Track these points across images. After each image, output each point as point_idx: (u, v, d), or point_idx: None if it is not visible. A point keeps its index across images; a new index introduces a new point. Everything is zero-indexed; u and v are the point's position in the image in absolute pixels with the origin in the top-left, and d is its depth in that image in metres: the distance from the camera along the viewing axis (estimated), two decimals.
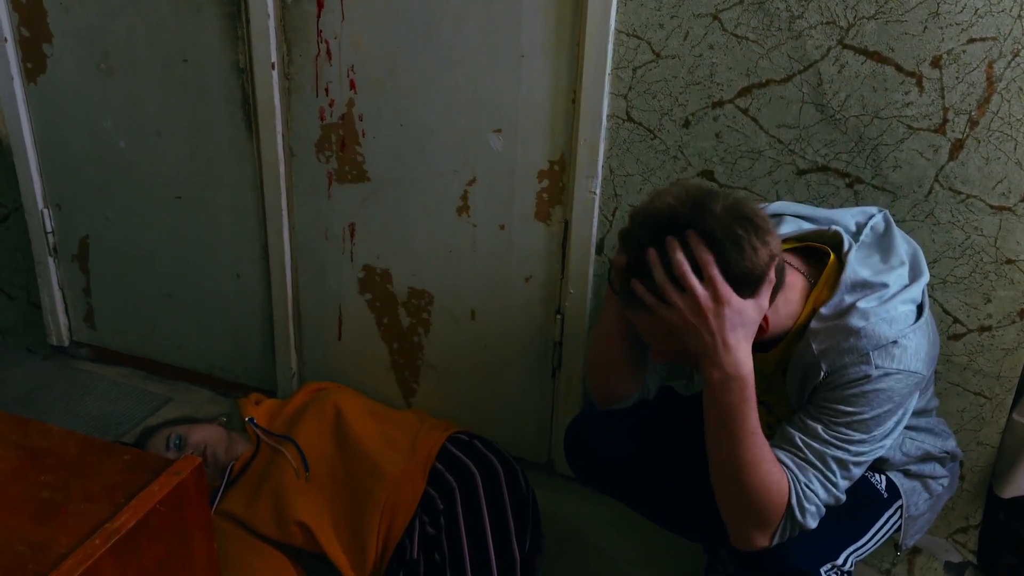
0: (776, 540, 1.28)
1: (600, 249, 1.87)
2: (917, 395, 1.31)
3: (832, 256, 1.33)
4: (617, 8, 1.66)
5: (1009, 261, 1.59)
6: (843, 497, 1.29)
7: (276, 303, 2.24)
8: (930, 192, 1.59)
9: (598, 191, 1.81)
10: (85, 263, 2.44)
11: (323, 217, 2.11)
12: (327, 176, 2.05)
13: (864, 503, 1.42)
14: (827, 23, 1.55)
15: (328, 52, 1.92)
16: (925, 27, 1.50)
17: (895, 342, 1.23)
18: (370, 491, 1.79)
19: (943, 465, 1.51)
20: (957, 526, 1.84)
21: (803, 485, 1.26)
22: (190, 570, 0.99)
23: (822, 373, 1.27)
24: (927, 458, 1.47)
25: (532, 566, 1.74)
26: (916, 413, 1.44)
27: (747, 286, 1.19)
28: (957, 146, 1.55)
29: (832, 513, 1.32)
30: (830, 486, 1.27)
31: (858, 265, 1.30)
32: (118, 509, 0.92)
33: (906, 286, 1.29)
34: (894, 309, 1.26)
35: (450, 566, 1.68)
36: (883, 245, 1.34)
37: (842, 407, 1.26)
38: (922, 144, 1.57)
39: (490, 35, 1.78)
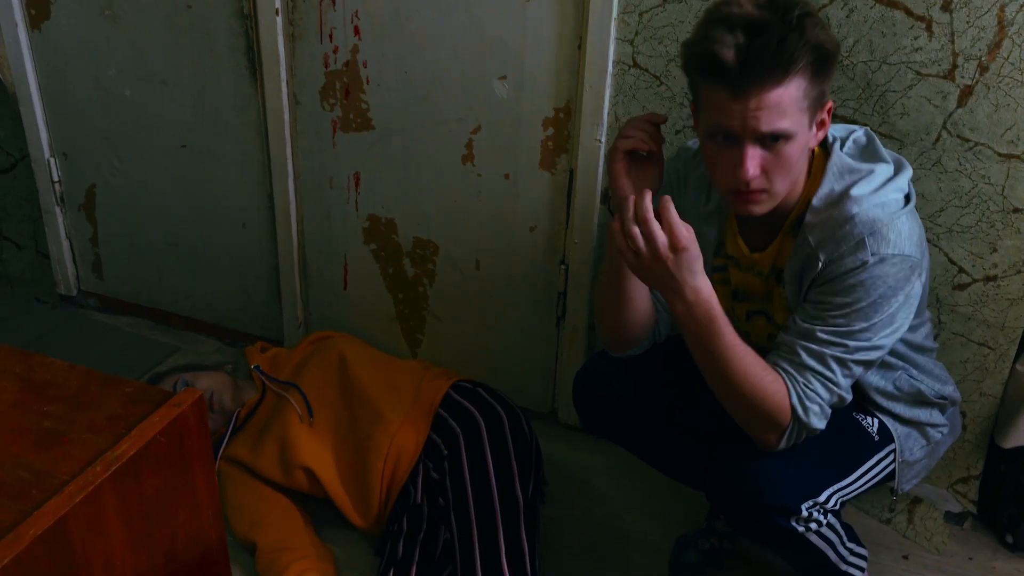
0: (786, 442, 1.32)
1: (605, 198, 1.86)
2: (919, 286, 1.31)
3: (818, 149, 1.35)
4: None
5: (1016, 210, 1.58)
6: (847, 395, 1.32)
7: (282, 253, 2.24)
8: (937, 140, 1.58)
9: (603, 139, 1.80)
10: (92, 212, 2.45)
11: (328, 166, 2.10)
12: (332, 124, 2.05)
13: (851, 443, 1.43)
14: None
15: None
16: None
17: (888, 226, 1.25)
18: (373, 436, 1.81)
19: (943, 412, 1.51)
20: (958, 476, 1.84)
21: (802, 386, 1.29)
22: (191, 499, 1.01)
23: (820, 263, 1.28)
24: (920, 399, 1.47)
25: (535, 511, 1.75)
26: (915, 348, 1.45)
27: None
28: (966, 92, 1.53)
29: (815, 451, 1.33)
30: (830, 384, 1.30)
31: (845, 155, 1.33)
32: (119, 438, 0.94)
33: (892, 177, 1.31)
34: (885, 195, 1.28)
35: (454, 510, 1.70)
36: (866, 152, 1.36)
37: (840, 299, 1.27)
38: (930, 90, 1.55)
39: None
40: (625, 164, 1.37)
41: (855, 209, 1.26)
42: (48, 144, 2.38)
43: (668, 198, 1.22)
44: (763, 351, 1.34)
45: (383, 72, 1.94)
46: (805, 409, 1.29)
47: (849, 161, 1.32)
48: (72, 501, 0.86)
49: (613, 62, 1.73)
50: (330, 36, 1.95)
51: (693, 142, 1.53)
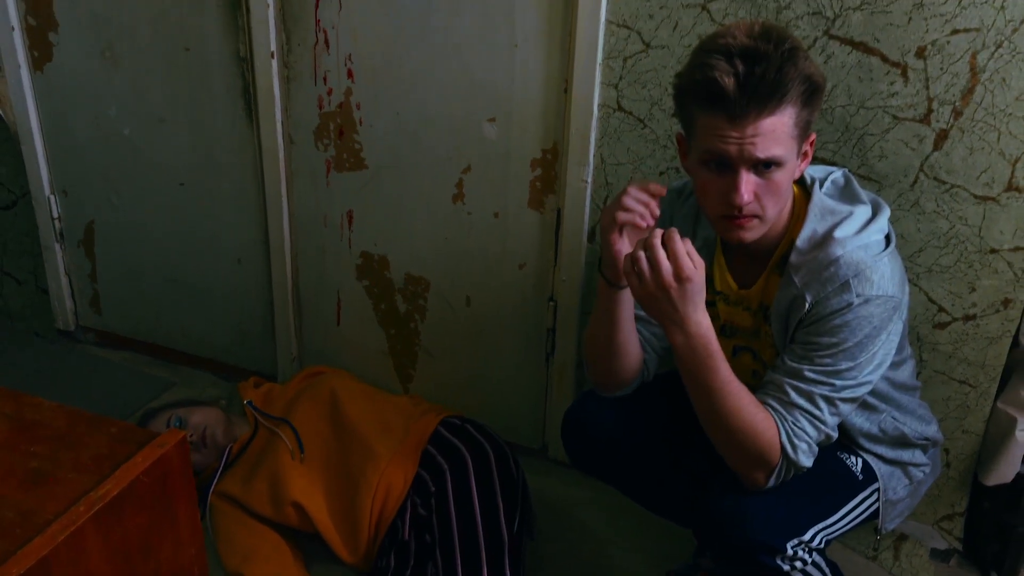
0: (774, 480, 1.34)
1: (592, 237, 1.90)
2: (900, 323, 1.34)
3: (797, 190, 1.39)
4: None
5: (993, 251, 1.60)
6: (834, 433, 1.35)
7: (276, 289, 2.28)
8: (915, 182, 1.61)
9: (590, 180, 1.83)
10: (91, 249, 2.49)
11: (322, 204, 2.14)
12: (326, 164, 2.09)
13: (836, 482, 1.44)
14: (813, 13, 1.57)
15: (326, 41, 1.96)
16: (910, 18, 1.51)
17: (872, 268, 1.29)
18: (363, 473, 1.83)
19: (924, 452, 1.53)
20: (943, 513, 1.85)
21: (791, 424, 1.32)
22: (174, 538, 1.03)
23: (807, 304, 1.31)
24: (903, 442, 1.49)
25: (521, 548, 1.77)
26: (898, 387, 1.47)
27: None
28: (942, 136, 1.57)
29: (801, 490, 1.35)
30: (818, 422, 1.32)
31: (825, 196, 1.37)
32: (103, 478, 0.96)
33: (872, 218, 1.35)
34: (867, 237, 1.32)
35: (440, 547, 1.72)
36: (845, 192, 1.40)
37: (826, 339, 1.30)
38: (907, 134, 1.59)
39: (484, 25, 1.80)
40: (618, 234, 1.38)
41: (839, 251, 1.30)
42: (49, 181, 2.43)
43: (675, 229, 1.25)
44: (748, 387, 1.36)
45: (376, 113, 1.98)
46: (794, 447, 1.31)
47: (830, 202, 1.36)
48: (55, 540, 0.89)
49: (598, 105, 1.77)
50: (324, 79, 2.00)
51: (676, 183, 1.56)
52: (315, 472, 1.89)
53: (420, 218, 2.05)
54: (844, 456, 1.48)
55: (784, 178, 1.27)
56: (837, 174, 1.42)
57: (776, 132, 1.22)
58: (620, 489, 1.66)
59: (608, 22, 1.70)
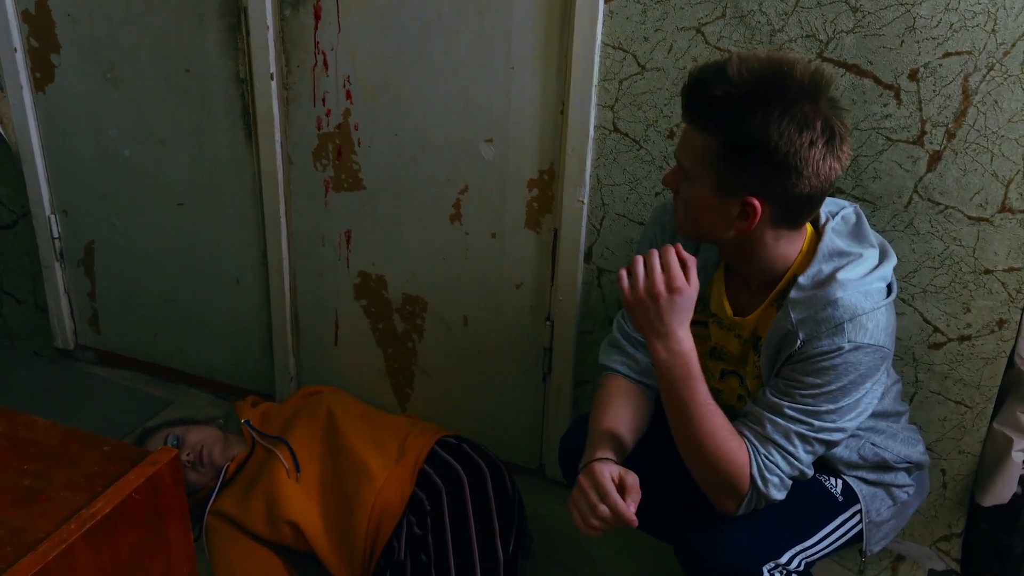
0: (744, 509, 1.34)
1: (588, 257, 1.90)
2: (884, 375, 1.34)
3: (810, 228, 1.38)
4: (603, 22, 1.70)
5: (987, 271, 1.61)
6: (808, 471, 1.34)
7: (275, 308, 2.28)
8: (909, 203, 1.62)
9: (586, 200, 1.84)
10: (90, 268, 2.50)
11: (320, 224, 2.15)
12: (324, 184, 2.10)
13: (813, 504, 1.44)
14: (807, 36, 1.58)
15: (325, 63, 1.97)
16: (902, 41, 1.53)
17: (868, 315, 1.28)
18: (359, 492, 1.83)
19: (908, 474, 1.53)
20: (940, 534, 1.85)
21: (763, 457, 1.31)
22: (165, 557, 1.03)
23: (798, 341, 1.30)
24: (884, 466, 1.49)
25: (516, 567, 1.76)
26: (877, 415, 1.46)
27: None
28: (935, 157, 1.58)
29: (776, 513, 1.35)
30: (792, 459, 1.32)
31: (835, 236, 1.35)
32: (95, 496, 0.96)
33: (877, 265, 1.34)
34: (870, 284, 1.31)
35: (435, 566, 1.71)
36: (855, 232, 1.39)
37: (811, 379, 1.30)
38: (901, 155, 1.60)
39: (481, 47, 1.82)
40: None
41: (839, 293, 1.29)
42: (49, 201, 2.44)
43: (677, 245, 1.28)
44: (733, 410, 1.36)
45: (374, 134, 2.00)
46: (764, 480, 1.31)
47: (840, 243, 1.34)
48: (45, 559, 0.89)
49: (594, 127, 1.79)
50: (323, 100, 2.01)
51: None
52: (311, 491, 1.89)
53: (418, 238, 2.06)
54: (824, 478, 1.48)
55: (690, 198, 1.30)
56: (848, 210, 1.41)
57: (690, 145, 1.27)
58: None
59: (604, 45, 1.72)
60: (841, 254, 1.33)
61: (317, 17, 1.94)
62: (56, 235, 2.48)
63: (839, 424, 1.31)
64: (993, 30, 1.47)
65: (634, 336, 1.55)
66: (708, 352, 1.52)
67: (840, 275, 1.30)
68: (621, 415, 1.47)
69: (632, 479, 1.33)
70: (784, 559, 1.35)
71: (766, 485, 1.31)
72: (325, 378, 2.31)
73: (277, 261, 2.22)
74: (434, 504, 1.80)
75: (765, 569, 1.33)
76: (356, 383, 2.27)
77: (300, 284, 2.25)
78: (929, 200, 1.61)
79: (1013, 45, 1.47)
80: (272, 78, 2.02)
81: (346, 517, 1.82)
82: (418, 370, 2.21)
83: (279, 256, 2.21)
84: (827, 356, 1.28)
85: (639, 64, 1.71)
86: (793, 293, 1.33)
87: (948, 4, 1.48)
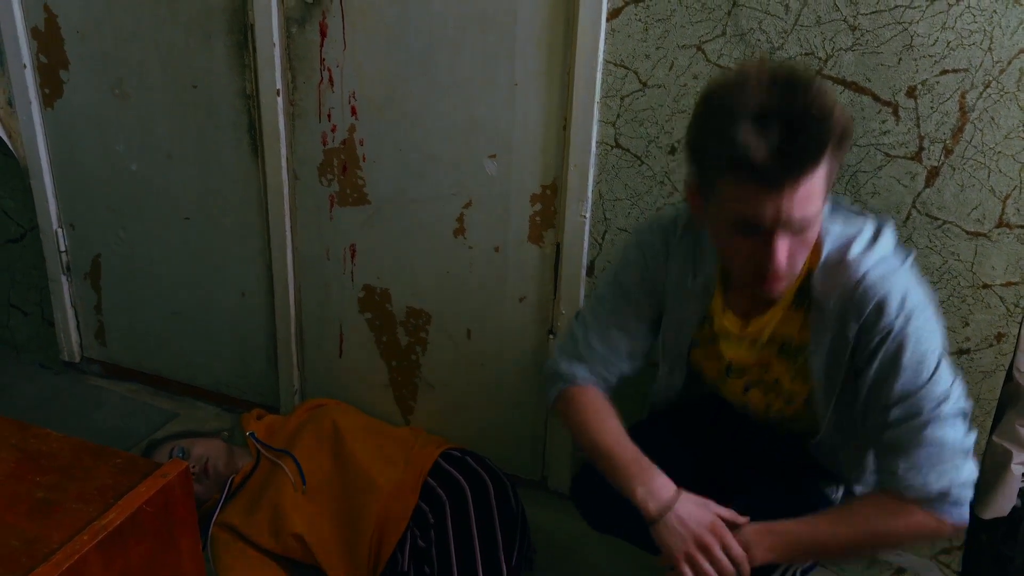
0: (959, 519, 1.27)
1: (591, 271, 1.92)
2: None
3: None
4: (605, 39, 1.73)
5: (985, 286, 1.63)
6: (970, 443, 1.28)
7: (280, 321, 2.30)
8: (908, 218, 1.64)
9: (588, 215, 1.87)
10: (97, 281, 2.52)
11: (325, 238, 2.17)
12: (329, 199, 2.12)
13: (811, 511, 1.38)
14: (806, 54, 1.61)
15: (331, 79, 2.00)
16: (900, 58, 1.55)
17: (898, 281, 1.23)
18: (364, 505, 1.84)
19: None
20: (941, 546, 1.86)
21: (942, 498, 1.25)
22: (175, 567, 1.04)
23: (850, 337, 1.25)
24: None
25: None
26: None
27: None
28: (933, 173, 1.60)
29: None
30: (964, 453, 1.27)
31: (827, 221, 1.30)
32: (107, 508, 0.98)
33: (878, 230, 1.30)
34: (883, 249, 1.27)
35: None
36: (837, 212, 1.33)
37: (905, 375, 1.24)
38: (899, 171, 1.62)
39: (485, 64, 1.85)
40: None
41: (861, 270, 1.24)
42: (56, 215, 2.47)
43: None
44: (762, 422, 1.33)
45: (379, 150, 2.02)
46: (959, 509, 1.25)
47: (837, 228, 1.29)
48: (59, 569, 0.91)
49: (596, 143, 1.81)
50: (328, 116, 2.04)
51: (668, 212, 1.50)
52: (316, 504, 1.90)
53: (422, 252, 2.08)
54: (824, 485, 1.47)
55: (816, 229, 1.22)
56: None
57: (812, 193, 1.15)
58: (640, 547, 1.57)
59: (606, 62, 1.74)
60: (843, 235, 1.28)
61: (323, 34, 1.96)
62: (63, 248, 2.50)
63: (951, 391, 1.25)
64: (989, 48, 1.49)
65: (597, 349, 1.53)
66: (725, 370, 1.47)
67: (851, 254, 1.25)
68: (621, 431, 1.44)
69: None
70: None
71: (961, 509, 1.26)
72: (330, 391, 2.33)
73: (282, 275, 2.24)
74: (438, 516, 1.81)
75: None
76: (360, 396, 2.29)
77: (305, 297, 2.27)
78: (927, 215, 1.63)
79: (1009, 63, 1.49)
80: (278, 94, 2.04)
81: (351, 530, 1.84)
82: (422, 383, 2.22)
83: (284, 270, 2.23)
84: (891, 344, 1.23)
85: (641, 81, 1.74)
86: (817, 291, 1.28)
87: (945, 23, 1.50)
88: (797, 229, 1.18)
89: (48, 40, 2.26)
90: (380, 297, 2.17)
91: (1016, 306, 1.62)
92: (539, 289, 1.99)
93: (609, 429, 1.43)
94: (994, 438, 1.73)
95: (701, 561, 1.27)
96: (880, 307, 1.22)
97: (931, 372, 1.23)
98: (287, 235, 2.19)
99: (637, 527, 1.41)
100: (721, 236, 1.25)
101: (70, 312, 2.58)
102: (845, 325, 1.26)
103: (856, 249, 1.26)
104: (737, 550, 1.27)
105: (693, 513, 1.30)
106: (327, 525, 1.88)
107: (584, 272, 1.92)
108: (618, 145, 1.80)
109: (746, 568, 1.26)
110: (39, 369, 2.70)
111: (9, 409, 2.43)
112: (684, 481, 1.36)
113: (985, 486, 1.76)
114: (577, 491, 1.59)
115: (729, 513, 1.32)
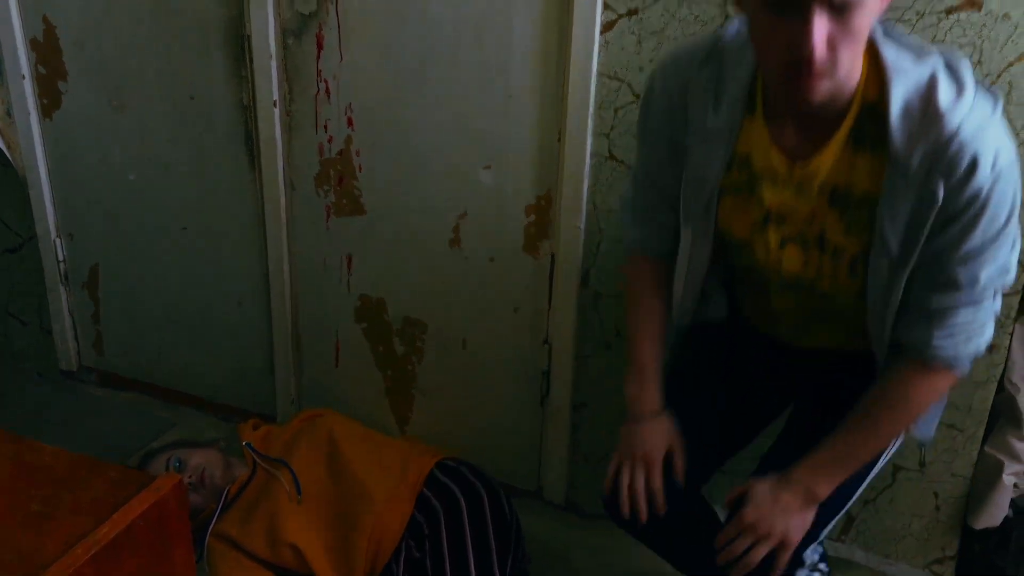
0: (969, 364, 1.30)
1: (585, 281, 1.93)
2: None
3: None
4: (599, 52, 1.74)
5: None
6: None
7: (276, 331, 2.31)
8: None
9: (583, 225, 1.88)
10: (95, 291, 2.53)
11: (322, 248, 2.18)
12: (325, 209, 2.13)
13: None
14: None
15: (327, 91, 2.01)
16: None
17: (993, 135, 1.13)
18: (359, 515, 1.85)
19: None
20: (934, 556, 1.87)
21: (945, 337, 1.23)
22: None
23: (939, 197, 1.14)
24: None
25: None
26: None
27: None
28: None
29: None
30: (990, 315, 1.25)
31: (889, 48, 1.15)
32: (101, 521, 0.99)
33: (957, 71, 1.16)
34: (971, 96, 1.14)
35: None
36: (900, 38, 1.18)
37: (973, 241, 1.16)
38: None
39: (480, 77, 1.86)
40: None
41: (954, 123, 1.11)
42: (54, 225, 2.48)
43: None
44: (797, 282, 1.29)
45: (375, 160, 2.03)
46: (966, 369, 1.28)
47: (907, 61, 1.14)
48: None
49: (591, 154, 1.82)
50: (325, 127, 2.05)
51: (696, 45, 1.33)
52: (312, 514, 1.91)
53: (417, 262, 2.09)
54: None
55: (865, 23, 1.06)
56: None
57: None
58: (665, 558, 1.56)
59: (600, 74, 1.76)
60: (921, 77, 1.13)
61: (319, 46, 1.98)
62: (61, 258, 2.51)
63: (1010, 255, 1.21)
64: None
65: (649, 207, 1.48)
66: (763, 219, 1.29)
67: (942, 103, 1.11)
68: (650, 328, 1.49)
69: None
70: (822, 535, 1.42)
71: (973, 353, 1.27)
72: (326, 400, 2.34)
73: (279, 284, 2.25)
74: (432, 528, 1.82)
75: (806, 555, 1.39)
76: (356, 405, 2.30)
77: (302, 307, 2.28)
78: None
79: (999, 76, 1.50)
80: (275, 105, 2.06)
81: (346, 540, 1.84)
82: (418, 392, 2.23)
83: (281, 279, 2.24)
84: (978, 202, 1.13)
85: (634, 93, 1.75)
86: (896, 135, 1.13)
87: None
88: (836, 12, 1.04)
89: (47, 51, 2.28)
90: (376, 307, 2.18)
91: (1007, 317, 1.63)
92: (534, 299, 2.00)
93: (641, 322, 1.50)
94: (986, 449, 1.75)
95: (625, 472, 1.42)
96: (972, 167, 1.11)
97: (998, 237, 1.17)
98: (284, 245, 2.20)
99: (663, 541, 1.51)
100: (757, 23, 1.11)
101: (68, 321, 2.59)
102: (932, 181, 1.13)
103: (944, 97, 1.12)
104: (655, 483, 1.40)
105: (649, 437, 1.43)
106: (322, 535, 1.88)
107: (579, 282, 1.93)
108: (612, 157, 1.81)
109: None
110: (37, 378, 2.71)
111: (6, 418, 2.43)
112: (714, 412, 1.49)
113: (977, 496, 1.77)
114: (610, 502, 1.50)
115: (680, 464, 1.42)
